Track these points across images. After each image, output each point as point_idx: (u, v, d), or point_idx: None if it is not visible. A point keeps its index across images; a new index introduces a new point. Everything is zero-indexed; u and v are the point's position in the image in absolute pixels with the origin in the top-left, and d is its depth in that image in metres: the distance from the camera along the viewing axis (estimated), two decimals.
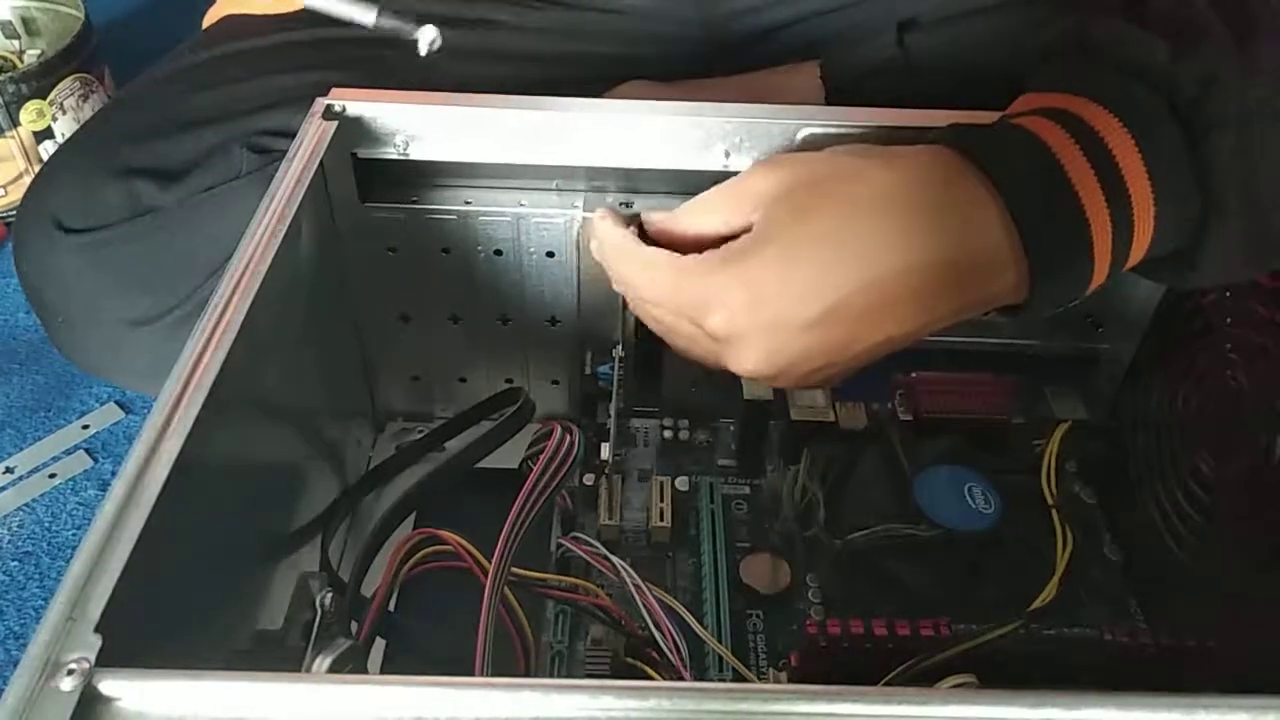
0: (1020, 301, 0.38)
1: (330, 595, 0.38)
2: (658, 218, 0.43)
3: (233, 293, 0.38)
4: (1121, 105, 0.37)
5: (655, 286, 0.41)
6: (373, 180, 0.50)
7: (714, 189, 0.41)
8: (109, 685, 0.26)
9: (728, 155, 0.48)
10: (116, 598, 0.28)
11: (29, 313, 0.79)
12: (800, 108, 0.49)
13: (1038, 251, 0.37)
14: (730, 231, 0.40)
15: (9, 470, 0.68)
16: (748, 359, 0.38)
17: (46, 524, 0.65)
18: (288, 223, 0.41)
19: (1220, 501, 0.45)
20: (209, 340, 0.36)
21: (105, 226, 0.61)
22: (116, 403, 0.73)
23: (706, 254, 0.39)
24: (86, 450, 0.70)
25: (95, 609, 0.27)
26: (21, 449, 0.70)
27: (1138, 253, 0.38)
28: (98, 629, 0.27)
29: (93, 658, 0.26)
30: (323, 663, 0.35)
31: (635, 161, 0.49)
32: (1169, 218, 0.37)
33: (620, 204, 0.51)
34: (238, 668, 0.27)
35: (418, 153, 0.49)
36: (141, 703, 0.26)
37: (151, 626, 0.30)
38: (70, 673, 0.26)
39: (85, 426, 0.71)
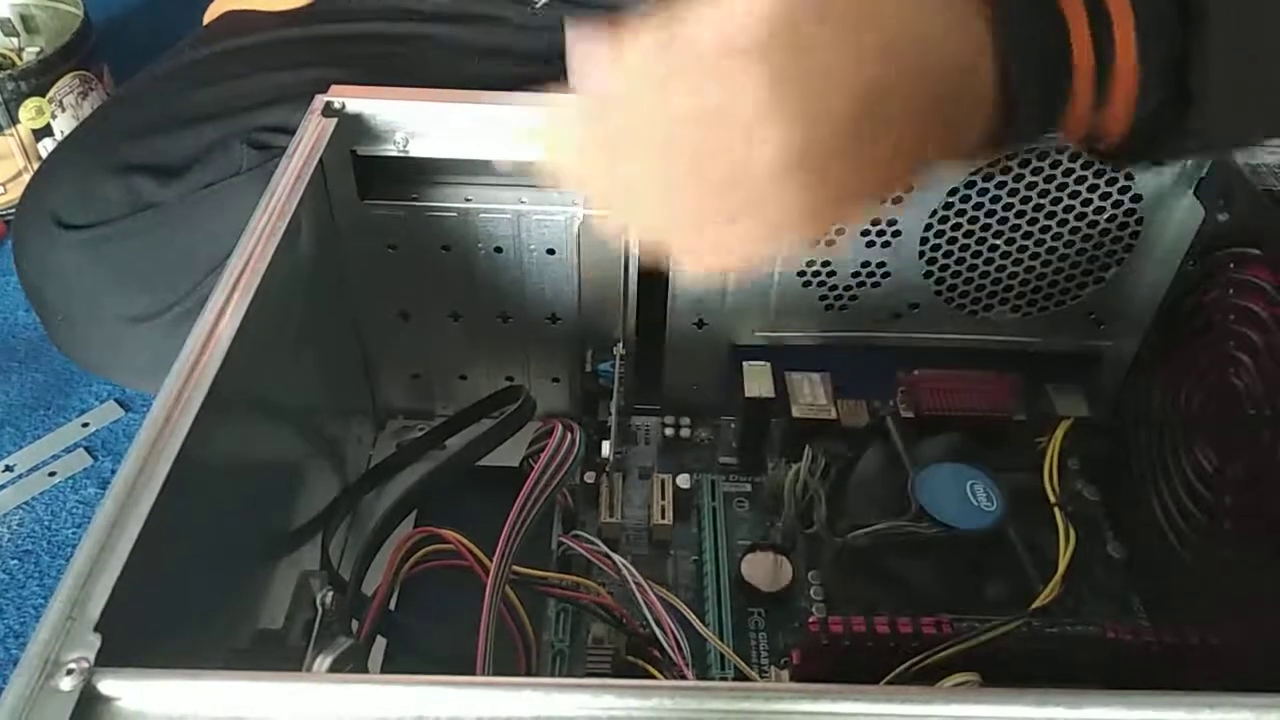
0: (1003, 124, 0.35)
1: (331, 594, 0.38)
2: None
3: (232, 290, 0.38)
4: None
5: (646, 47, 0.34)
6: (372, 177, 0.50)
7: None
8: (108, 685, 0.26)
9: None
10: (116, 597, 0.28)
11: (28, 310, 0.79)
12: None
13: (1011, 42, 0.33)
14: None
15: (8, 468, 0.68)
16: (752, 73, 0.32)
17: (46, 522, 0.65)
18: (287, 220, 0.41)
19: (1223, 499, 0.45)
20: (208, 338, 0.35)
21: (105, 222, 0.61)
22: (116, 400, 0.73)
23: None
24: (86, 448, 0.70)
25: (95, 608, 0.27)
26: (21, 447, 0.70)
27: (1124, 72, 0.35)
28: (97, 628, 0.27)
29: (92, 657, 0.26)
30: (323, 662, 0.35)
31: None
32: (1148, 21, 0.34)
33: None
34: (238, 667, 0.27)
35: (417, 150, 0.49)
36: (141, 702, 0.26)
37: (151, 626, 0.30)
38: (70, 672, 0.26)
39: (85, 424, 0.71)
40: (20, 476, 0.68)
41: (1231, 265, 0.46)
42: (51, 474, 0.68)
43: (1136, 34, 0.35)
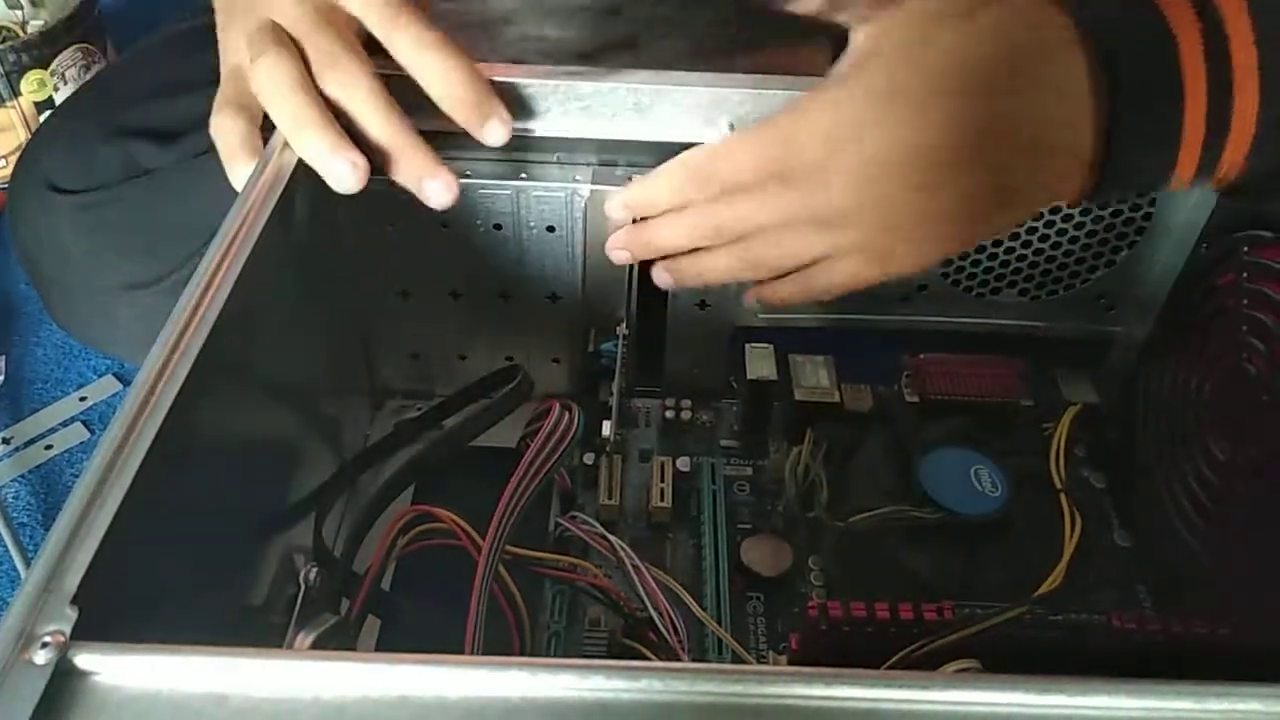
0: (1094, 184, 0.37)
1: (315, 571, 0.38)
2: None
3: (223, 260, 0.37)
4: None
5: (740, 153, 0.40)
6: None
7: None
8: (85, 659, 0.25)
9: (732, 128, 0.47)
10: (95, 570, 0.27)
11: (27, 284, 0.78)
12: (811, 79, 0.47)
13: (1126, 93, 0.35)
14: None
15: (5, 441, 0.68)
16: (836, 189, 0.38)
17: (42, 495, 0.65)
18: (279, 193, 0.40)
19: (1234, 486, 0.44)
20: (197, 308, 0.35)
21: (101, 187, 0.60)
22: (114, 375, 0.72)
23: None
24: (83, 422, 0.69)
25: (72, 581, 0.27)
26: (18, 420, 0.69)
27: (1235, 149, 0.36)
28: (74, 601, 0.26)
29: (68, 630, 0.25)
30: (305, 639, 0.35)
31: (637, 133, 0.48)
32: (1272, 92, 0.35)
33: (627, 179, 0.50)
34: (218, 643, 0.26)
35: (415, 123, 0.48)
36: (118, 677, 0.25)
37: (131, 600, 0.30)
38: (44, 646, 0.25)
39: (83, 399, 0.71)
40: (17, 449, 0.67)
41: (1245, 249, 0.45)
42: (48, 447, 0.67)
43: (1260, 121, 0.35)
